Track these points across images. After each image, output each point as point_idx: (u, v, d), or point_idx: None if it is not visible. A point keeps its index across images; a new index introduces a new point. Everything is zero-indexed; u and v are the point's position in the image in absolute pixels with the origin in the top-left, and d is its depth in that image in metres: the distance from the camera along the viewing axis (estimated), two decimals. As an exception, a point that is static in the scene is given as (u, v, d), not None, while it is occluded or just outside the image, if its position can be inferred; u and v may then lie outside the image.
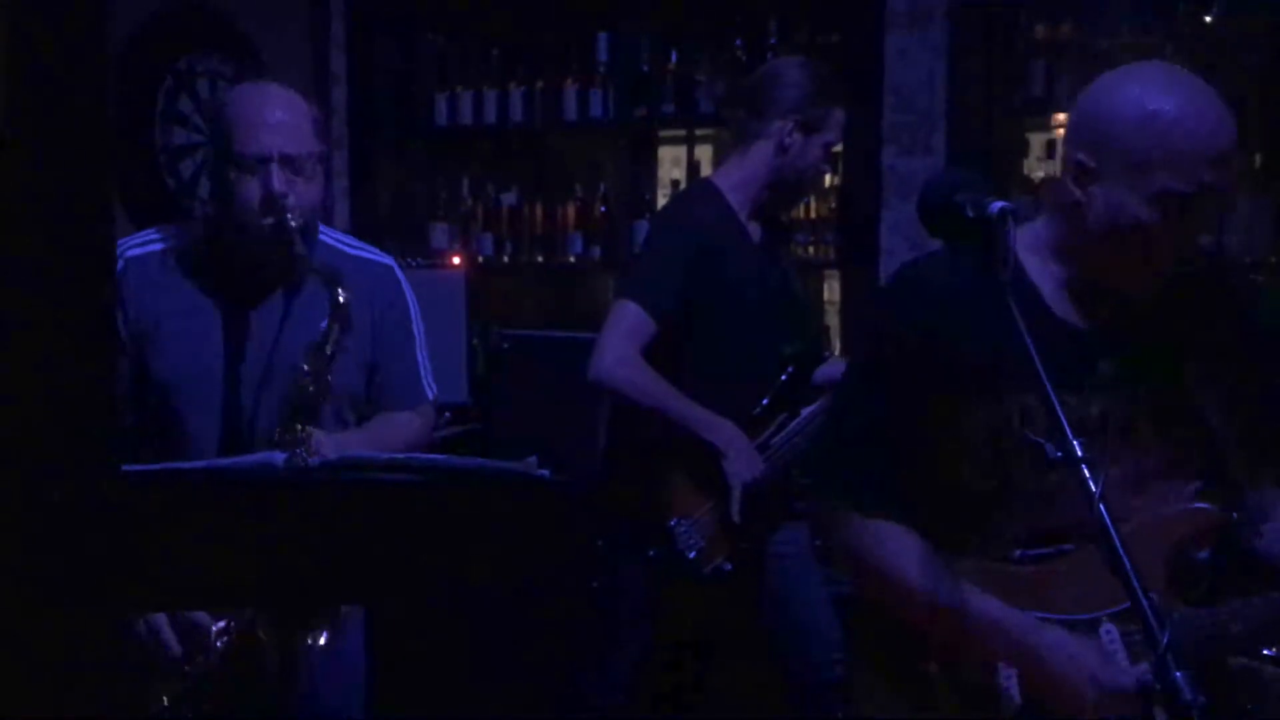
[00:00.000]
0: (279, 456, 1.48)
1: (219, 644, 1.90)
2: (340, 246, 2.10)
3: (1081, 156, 1.52)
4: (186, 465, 1.53)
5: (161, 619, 1.87)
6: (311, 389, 1.94)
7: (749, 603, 2.76)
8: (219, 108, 2.01)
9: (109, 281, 1.04)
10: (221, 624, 1.90)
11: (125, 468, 1.40)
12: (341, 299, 1.93)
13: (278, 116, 1.95)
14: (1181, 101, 1.47)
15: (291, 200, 1.91)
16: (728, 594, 2.73)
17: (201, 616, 1.91)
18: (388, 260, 2.15)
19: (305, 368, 1.93)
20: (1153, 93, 1.48)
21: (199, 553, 1.39)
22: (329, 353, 1.93)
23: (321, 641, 1.92)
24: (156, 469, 1.44)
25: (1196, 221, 1.48)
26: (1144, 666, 1.43)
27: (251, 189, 1.92)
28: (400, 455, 1.57)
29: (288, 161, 1.92)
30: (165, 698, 1.89)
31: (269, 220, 1.91)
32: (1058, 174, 1.63)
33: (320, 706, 1.97)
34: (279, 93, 1.99)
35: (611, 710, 2.89)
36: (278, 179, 1.91)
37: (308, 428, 1.92)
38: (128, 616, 1.77)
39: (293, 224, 1.90)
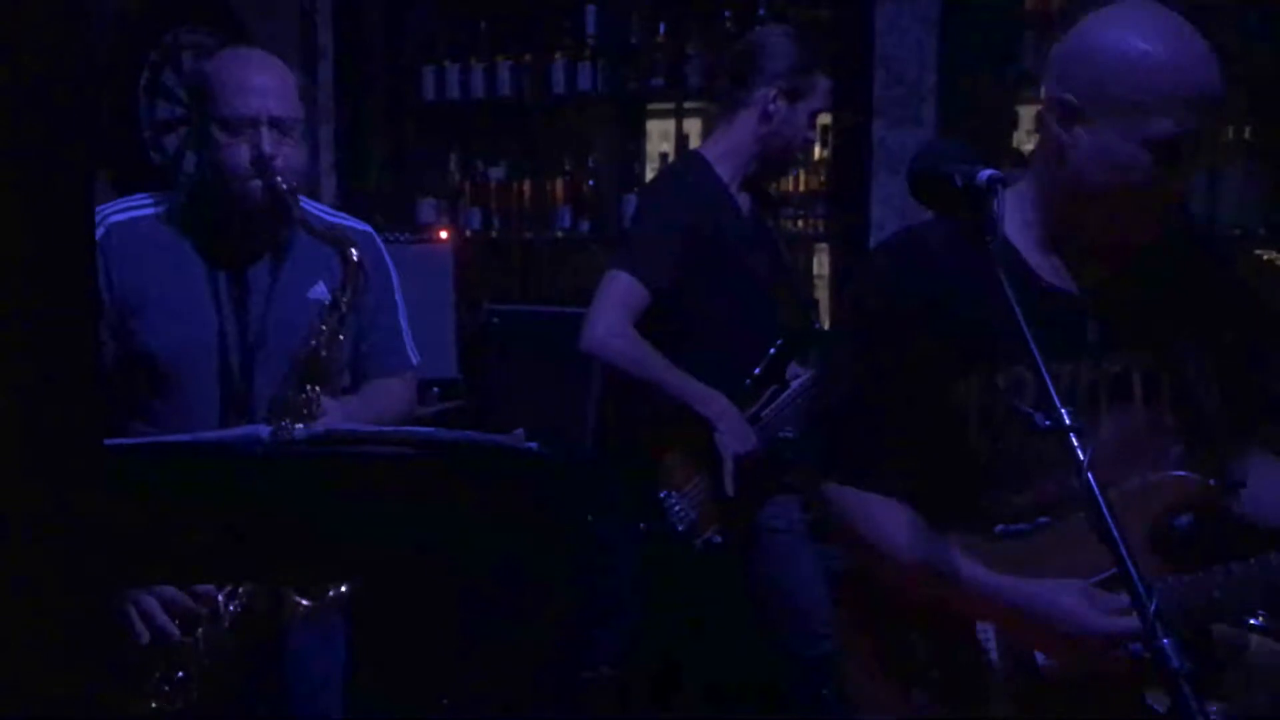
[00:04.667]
0: (264, 430, 1.47)
1: (231, 607, 1.90)
2: (320, 214, 2.09)
3: (1067, 96, 1.50)
4: (170, 439, 1.52)
5: (154, 604, 1.87)
6: (324, 352, 1.95)
7: (740, 575, 2.77)
8: (202, 72, 2.00)
9: (90, 252, 1.02)
10: (227, 590, 1.90)
11: (107, 441, 1.39)
12: (355, 257, 1.95)
13: (264, 79, 1.94)
14: (1170, 44, 1.46)
15: (280, 162, 1.91)
16: (719, 567, 2.73)
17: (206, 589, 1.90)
18: (367, 228, 2.15)
19: (323, 327, 1.95)
20: (1142, 34, 1.47)
21: (184, 526, 1.39)
22: (344, 312, 1.95)
23: (305, 606, 1.93)
24: (139, 442, 1.43)
25: (1182, 166, 1.47)
26: (1123, 606, 1.42)
27: (240, 151, 1.91)
28: (387, 428, 1.57)
29: (276, 124, 1.92)
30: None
31: (258, 183, 1.90)
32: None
33: (304, 678, 1.97)
34: (263, 56, 2.00)
35: (602, 683, 2.90)
36: (268, 141, 1.90)
37: (316, 389, 1.92)
38: (112, 591, 1.77)
39: (284, 186, 1.90)
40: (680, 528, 2.64)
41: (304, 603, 1.95)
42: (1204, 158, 1.50)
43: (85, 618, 0.91)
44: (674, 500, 2.65)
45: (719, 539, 2.65)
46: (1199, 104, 1.45)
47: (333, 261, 1.99)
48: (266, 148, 1.90)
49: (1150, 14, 1.51)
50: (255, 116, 1.91)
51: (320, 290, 2.02)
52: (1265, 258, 3.42)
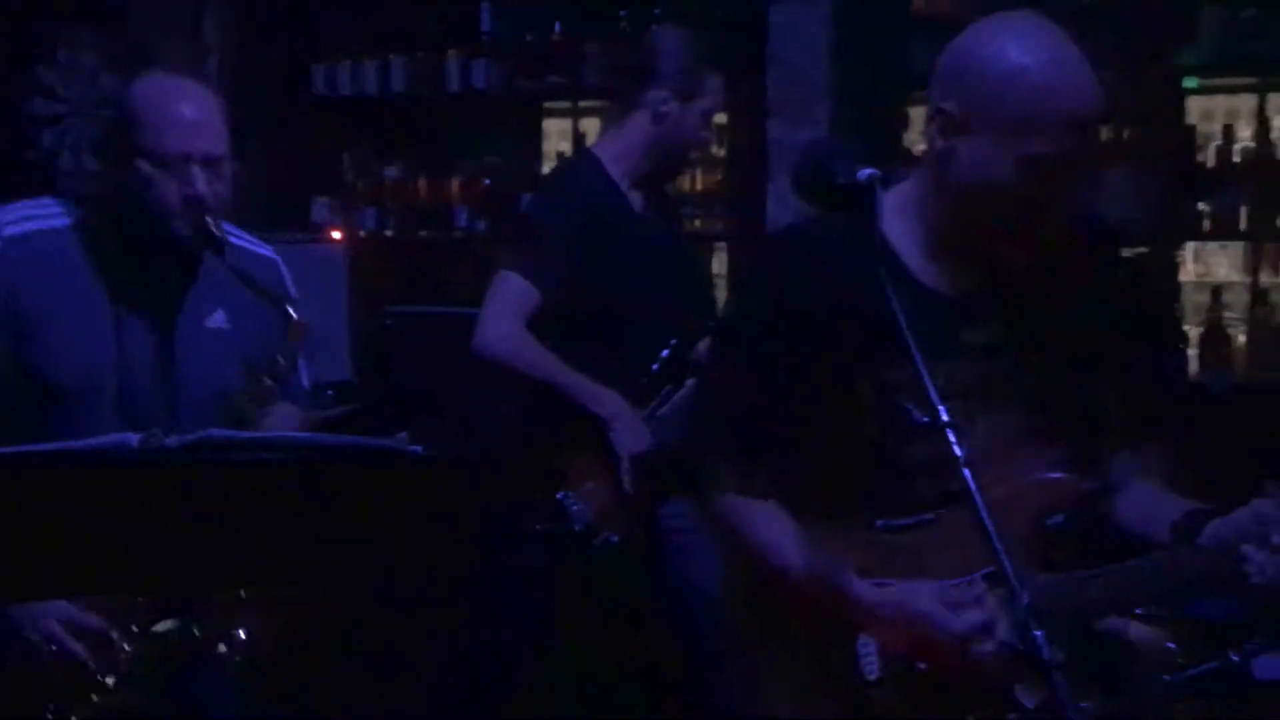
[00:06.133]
0: (133, 437, 1.42)
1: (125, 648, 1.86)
2: (226, 237, 2.02)
3: (948, 106, 1.51)
4: (32, 447, 1.45)
5: (55, 626, 1.83)
6: (248, 400, 1.93)
7: (640, 574, 2.76)
8: (123, 99, 1.93)
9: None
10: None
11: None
12: (294, 315, 1.92)
13: (196, 113, 1.88)
14: (1050, 62, 1.46)
15: (211, 201, 1.86)
16: (618, 566, 2.72)
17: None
18: (269, 252, 2.11)
19: (259, 392, 1.93)
20: (1023, 49, 1.46)
21: (46, 540, 1.33)
22: (282, 371, 1.94)
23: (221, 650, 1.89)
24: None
25: (1058, 184, 1.48)
26: (968, 584, 1.44)
27: (170, 188, 1.85)
28: (266, 434, 1.52)
29: (208, 162, 1.86)
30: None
31: (186, 222, 1.85)
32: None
33: (188, 697, 1.92)
34: (193, 88, 1.93)
35: (503, 689, 2.88)
36: (200, 180, 1.84)
37: None
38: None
39: (214, 230, 1.85)
40: (577, 528, 2.63)
41: (222, 647, 1.91)
42: (1079, 175, 1.50)
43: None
44: (571, 501, 2.63)
45: (616, 539, 2.64)
46: (1074, 124, 1.45)
47: (235, 290, 1.94)
48: (200, 187, 1.84)
49: (1032, 28, 1.50)
50: (188, 154, 1.85)
51: (219, 319, 1.98)
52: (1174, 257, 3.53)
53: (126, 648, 1.85)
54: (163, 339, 1.95)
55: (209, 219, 1.85)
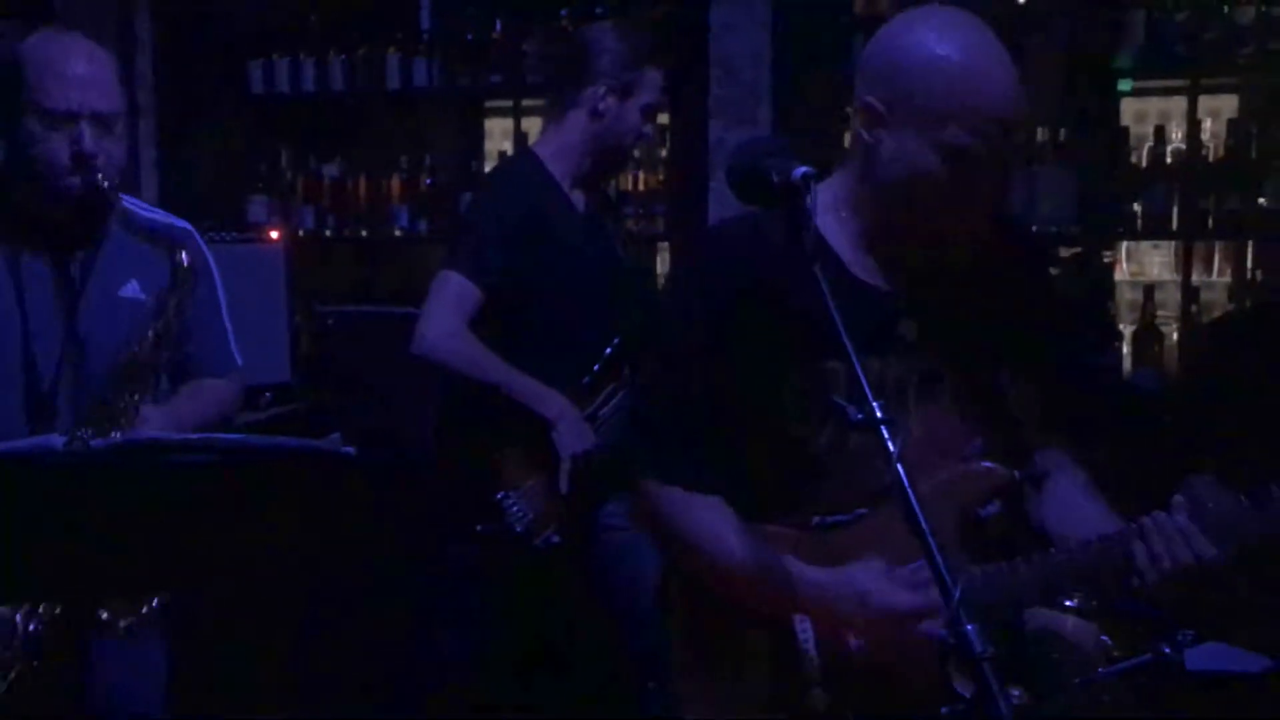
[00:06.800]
0: (58, 440, 1.39)
1: (31, 627, 1.81)
2: (137, 210, 2.01)
3: (871, 100, 1.52)
4: (-51, 450, 1.42)
5: None
6: (144, 358, 1.89)
7: (580, 574, 2.75)
8: (12, 55, 1.90)
9: None
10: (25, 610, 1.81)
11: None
12: (185, 261, 1.90)
13: (86, 70, 1.86)
14: (971, 54, 1.47)
15: (102, 160, 1.84)
16: (559, 566, 2.71)
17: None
18: (186, 225, 2.08)
19: (149, 332, 1.89)
20: (945, 41, 1.47)
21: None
22: (170, 316, 1.90)
23: (121, 625, 1.85)
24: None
25: (980, 177, 1.49)
26: (917, 567, 1.45)
27: (58, 146, 1.83)
28: (195, 436, 1.50)
29: (98, 118, 1.85)
30: None
31: (77, 179, 1.83)
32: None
33: (117, 708, 1.88)
34: (84, 44, 1.91)
35: (445, 689, 2.86)
36: (89, 137, 1.83)
37: (136, 396, 1.86)
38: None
39: (105, 184, 1.83)
40: (518, 528, 2.62)
41: (121, 623, 1.86)
42: (999, 166, 1.52)
43: None
44: (512, 500, 2.62)
45: (557, 538, 2.63)
46: (993, 116, 1.47)
47: (149, 260, 1.93)
48: (88, 145, 1.82)
49: (954, 22, 1.51)
50: (76, 111, 1.83)
51: (133, 289, 1.96)
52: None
53: (31, 628, 1.81)
54: (68, 304, 1.92)
55: (100, 176, 1.83)
